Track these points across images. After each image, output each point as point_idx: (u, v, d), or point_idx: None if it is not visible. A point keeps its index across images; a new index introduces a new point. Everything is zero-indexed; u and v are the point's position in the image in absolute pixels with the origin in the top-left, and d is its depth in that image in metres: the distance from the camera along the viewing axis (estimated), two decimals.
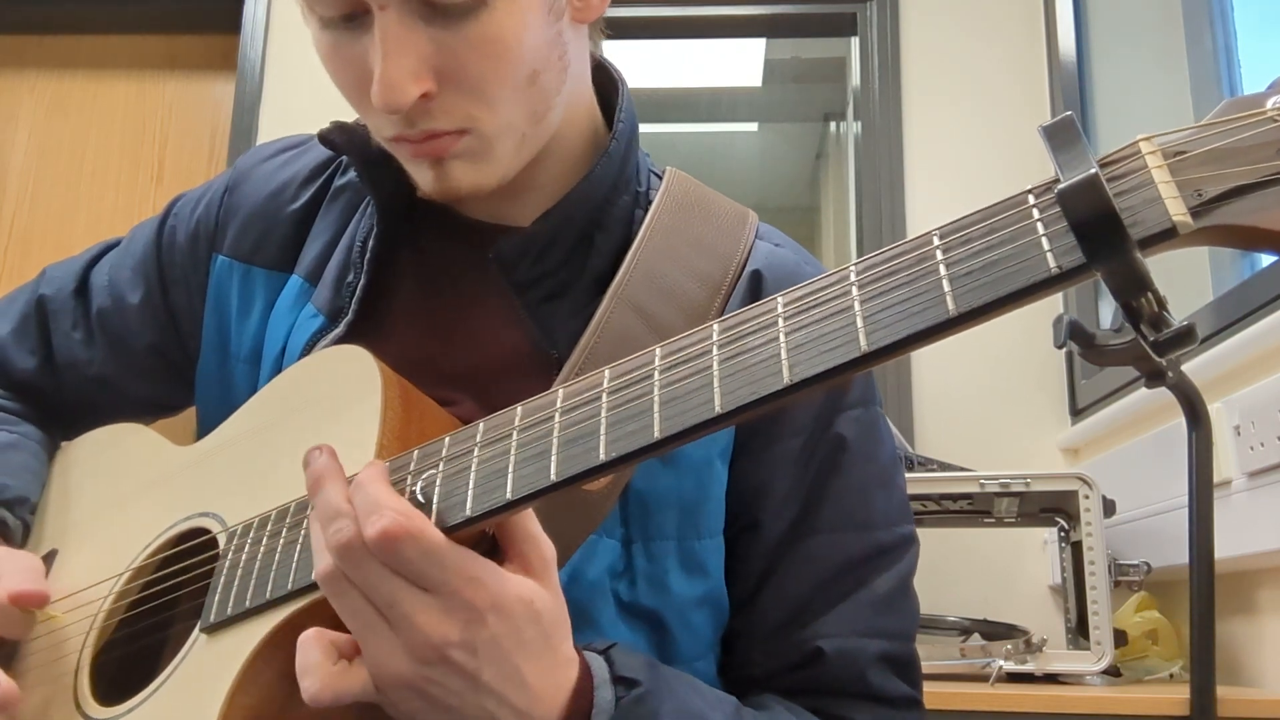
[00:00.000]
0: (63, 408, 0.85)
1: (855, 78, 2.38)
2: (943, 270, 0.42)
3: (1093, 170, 0.39)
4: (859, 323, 0.43)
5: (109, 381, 0.83)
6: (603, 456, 0.47)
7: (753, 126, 3.82)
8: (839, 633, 0.65)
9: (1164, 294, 0.39)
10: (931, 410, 2.05)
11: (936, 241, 0.43)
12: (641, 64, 3.15)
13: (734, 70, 3.22)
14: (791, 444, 0.67)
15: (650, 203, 0.73)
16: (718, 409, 0.44)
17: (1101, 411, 1.82)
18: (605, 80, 0.76)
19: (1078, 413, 1.98)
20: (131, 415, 0.82)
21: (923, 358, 2.08)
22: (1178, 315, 0.40)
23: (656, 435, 0.45)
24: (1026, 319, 2.05)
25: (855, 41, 2.35)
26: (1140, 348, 0.40)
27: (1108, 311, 1.93)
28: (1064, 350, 2.01)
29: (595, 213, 0.70)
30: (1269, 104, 0.40)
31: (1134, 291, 0.39)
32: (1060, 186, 0.40)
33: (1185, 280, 1.64)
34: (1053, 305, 2.07)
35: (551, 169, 0.71)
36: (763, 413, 0.44)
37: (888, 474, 0.70)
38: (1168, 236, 0.39)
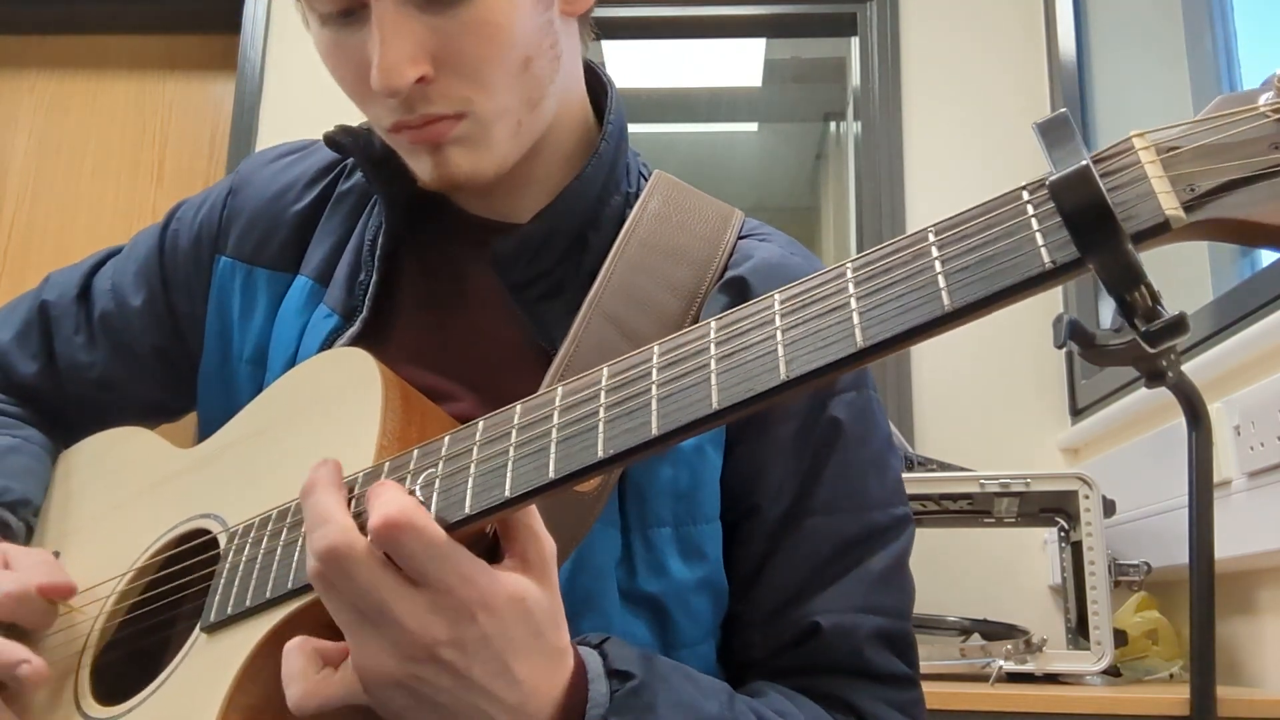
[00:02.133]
0: (66, 412, 0.85)
1: (855, 78, 2.38)
2: (938, 266, 0.43)
3: (1084, 162, 0.40)
4: (855, 319, 0.43)
5: (111, 384, 0.83)
6: (601, 454, 0.47)
7: (753, 126, 3.82)
8: (835, 609, 0.66)
9: (1160, 291, 0.40)
10: (931, 410, 2.05)
11: (932, 238, 0.44)
12: (641, 64, 3.15)
13: (734, 70, 3.22)
14: (787, 428, 0.68)
15: None
16: (715, 405, 0.45)
17: (1101, 411, 1.82)
18: (596, 84, 0.78)
19: (1078, 413, 1.98)
20: (134, 419, 0.82)
21: (923, 358, 2.08)
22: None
23: (654, 433, 0.46)
24: (1026, 319, 2.06)
25: (855, 41, 2.34)
26: (1140, 347, 0.40)
27: (1108, 311, 1.93)
28: (1064, 350, 2.01)
29: (588, 212, 0.72)
30: (1261, 100, 0.40)
31: (1127, 285, 0.39)
32: (1051, 179, 0.40)
33: (1185, 280, 1.64)
34: (1053, 305, 2.07)
35: (546, 165, 0.73)
36: (760, 408, 0.45)
37: (882, 456, 0.71)
38: (1161, 230, 0.39)
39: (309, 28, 0.68)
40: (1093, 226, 0.39)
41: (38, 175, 2.47)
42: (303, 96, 2.28)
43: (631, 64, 3.15)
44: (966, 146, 2.18)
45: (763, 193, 4.05)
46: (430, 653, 0.48)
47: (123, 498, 0.76)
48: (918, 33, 2.27)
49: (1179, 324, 0.39)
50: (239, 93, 2.33)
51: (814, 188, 3.89)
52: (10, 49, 2.53)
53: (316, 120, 0.74)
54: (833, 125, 3.40)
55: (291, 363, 0.73)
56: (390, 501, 0.48)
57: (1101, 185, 0.39)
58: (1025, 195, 0.42)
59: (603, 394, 0.49)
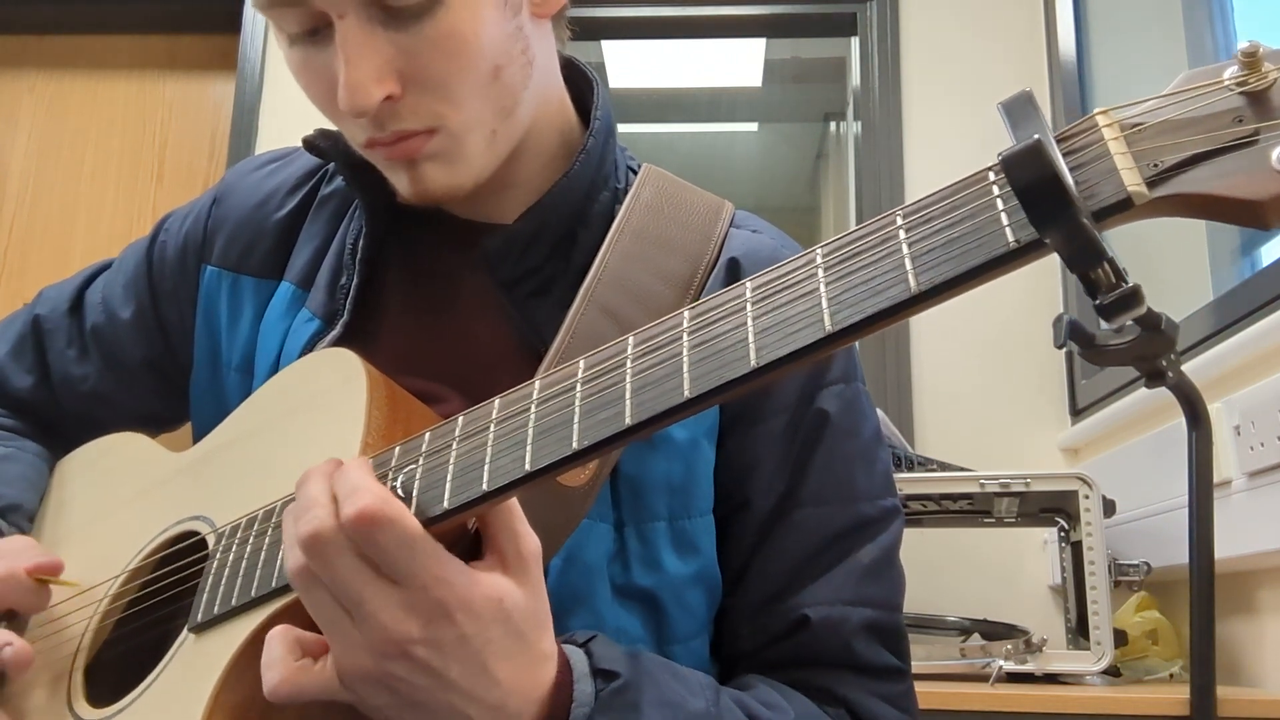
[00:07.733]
0: (62, 424, 0.85)
1: (855, 78, 2.38)
2: (905, 249, 0.43)
3: (1035, 136, 0.39)
4: (824, 304, 0.43)
5: (104, 396, 0.84)
6: (576, 445, 0.47)
7: (753, 126, 3.82)
8: (824, 601, 0.66)
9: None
10: (931, 410, 2.05)
11: (900, 221, 0.44)
12: (641, 64, 3.15)
13: (734, 70, 3.23)
14: (776, 422, 0.68)
15: None
16: (686, 394, 0.45)
17: (1101, 411, 1.82)
18: (579, 79, 0.77)
19: (1078, 413, 1.98)
20: (129, 429, 0.82)
21: (923, 358, 2.08)
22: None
23: (628, 422, 0.46)
24: (1026, 319, 2.06)
25: (855, 41, 2.35)
26: (1140, 347, 0.40)
27: None
28: (1064, 350, 2.01)
29: (577, 209, 0.71)
30: (1225, 74, 0.40)
31: (1089, 262, 0.39)
32: (1004, 153, 0.40)
33: (1185, 280, 1.64)
34: (1053, 305, 2.07)
35: (529, 166, 0.73)
36: (732, 396, 0.45)
37: (870, 448, 0.71)
38: (1124, 207, 0.39)
39: (280, 45, 0.67)
40: (1046, 200, 0.39)
41: (38, 175, 2.46)
42: (302, 96, 2.28)
43: (631, 64, 3.15)
44: (966, 146, 2.18)
45: (763, 193, 4.06)
46: (403, 650, 0.48)
47: (116, 502, 0.76)
48: (918, 33, 2.27)
49: (1132, 296, 0.39)
50: (239, 93, 2.32)
51: (814, 188, 3.89)
52: (10, 49, 2.53)
53: (316, 120, 0.73)
54: (833, 125, 3.40)
55: (275, 368, 0.73)
56: (365, 493, 0.48)
57: (1055, 157, 0.39)
58: (991, 176, 0.42)
59: (579, 385, 0.49)
